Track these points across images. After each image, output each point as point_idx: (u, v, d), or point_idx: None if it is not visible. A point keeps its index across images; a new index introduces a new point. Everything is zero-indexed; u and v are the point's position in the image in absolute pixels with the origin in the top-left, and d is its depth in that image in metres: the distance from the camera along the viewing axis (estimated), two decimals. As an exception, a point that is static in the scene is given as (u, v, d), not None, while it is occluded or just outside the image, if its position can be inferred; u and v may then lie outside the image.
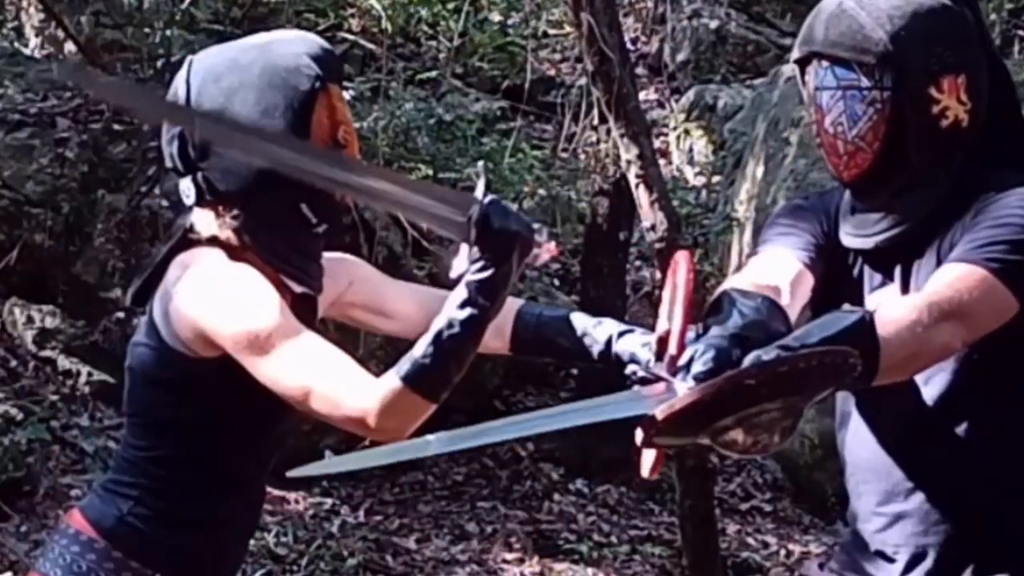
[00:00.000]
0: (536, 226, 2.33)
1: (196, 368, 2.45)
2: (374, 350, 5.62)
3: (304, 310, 2.50)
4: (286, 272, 2.48)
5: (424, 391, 2.29)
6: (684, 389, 2.14)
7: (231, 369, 2.40)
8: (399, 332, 2.70)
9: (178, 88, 2.49)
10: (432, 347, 2.28)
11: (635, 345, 2.51)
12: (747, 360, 2.10)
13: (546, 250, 2.33)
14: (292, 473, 2.57)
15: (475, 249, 2.28)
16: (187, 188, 2.49)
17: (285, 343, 2.34)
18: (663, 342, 2.32)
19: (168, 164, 2.53)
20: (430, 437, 2.37)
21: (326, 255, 2.60)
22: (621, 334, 2.54)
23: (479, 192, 2.29)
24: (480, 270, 2.27)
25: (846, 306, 2.31)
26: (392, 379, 2.29)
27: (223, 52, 2.52)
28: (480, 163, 2.51)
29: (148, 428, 2.54)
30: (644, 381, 2.33)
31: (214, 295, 2.39)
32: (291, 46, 2.48)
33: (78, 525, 2.55)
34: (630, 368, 2.41)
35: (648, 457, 2.25)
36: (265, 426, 2.55)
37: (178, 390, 2.49)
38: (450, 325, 2.28)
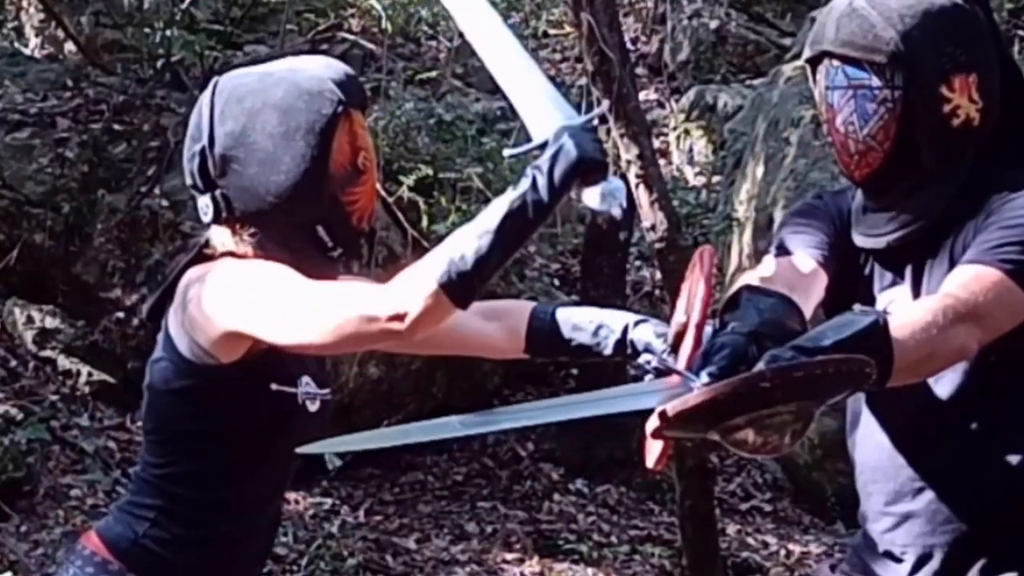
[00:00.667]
0: (622, 189, 2.24)
1: (214, 375, 2.44)
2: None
3: None
4: None
5: (452, 292, 2.20)
6: (699, 385, 2.14)
7: (248, 375, 2.41)
8: (415, 349, 2.67)
9: (202, 108, 2.49)
10: (471, 239, 2.19)
11: (650, 335, 2.49)
12: (762, 361, 2.09)
13: (618, 206, 2.21)
14: (305, 449, 2.55)
15: (550, 144, 2.20)
16: (205, 206, 2.49)
17: (291, 299, 2.32)
18: (680, 335, 2.32)
19: (188, 181, 2.53)
20: (455, 418, 2.33)
21: (341, 278, 2.57)
22: (636, 323, 2.53)
23: (584, 116, 2.24)
24: (543, 166, 2.19)
25: (857, 307, 2.30)
26: (425, 279, 2.21)
27: (248, 74, 2.52)
28: (605, 102, 2.44)
29: (165, 444, 2.54)
30: (658, 372, 2.33)
31: (230, 292, 2.39)
32: (315, 71, 2.48)
33: (93, 546, 2.55)
34: (644, 357, 2.41)
35: (655, 448, 2.24)
36: (280, 436, 2.54)
37: (195, 400, 2.48)
38: (486, 227, 2.19)
